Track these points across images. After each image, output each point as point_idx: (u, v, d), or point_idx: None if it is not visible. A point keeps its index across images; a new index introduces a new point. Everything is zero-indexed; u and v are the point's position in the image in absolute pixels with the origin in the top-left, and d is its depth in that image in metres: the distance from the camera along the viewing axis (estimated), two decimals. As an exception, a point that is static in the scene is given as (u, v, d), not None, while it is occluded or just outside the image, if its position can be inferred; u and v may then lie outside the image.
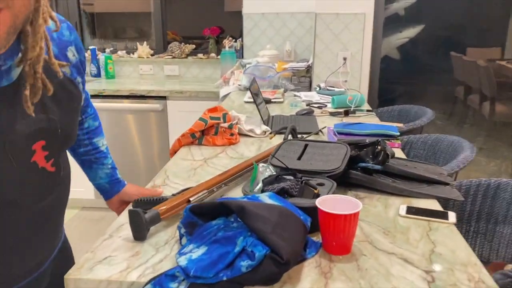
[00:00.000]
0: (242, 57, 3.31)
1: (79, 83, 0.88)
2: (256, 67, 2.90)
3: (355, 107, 2.27)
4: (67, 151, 0.95)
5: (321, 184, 1.07)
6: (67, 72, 0.84)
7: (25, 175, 0.77)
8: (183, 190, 1.08)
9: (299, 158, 1.23)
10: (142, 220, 0.91)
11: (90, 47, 3.48)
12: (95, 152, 1.14)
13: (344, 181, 1.21)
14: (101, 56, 3.47)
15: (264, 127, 1.83)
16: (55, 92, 0.78)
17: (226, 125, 1.71)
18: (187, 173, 1.40)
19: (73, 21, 3.65)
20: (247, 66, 2.97)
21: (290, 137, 1.61)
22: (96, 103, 3.01)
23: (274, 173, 1.11)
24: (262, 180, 1.07)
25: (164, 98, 2.98)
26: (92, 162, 1.14)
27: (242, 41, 3.30)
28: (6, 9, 0.63)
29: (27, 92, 0.71)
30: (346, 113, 2.16)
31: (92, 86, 3.16)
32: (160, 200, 1.03)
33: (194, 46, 3.52)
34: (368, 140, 1.24)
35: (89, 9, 3.80)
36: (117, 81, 3.38)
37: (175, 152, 1.66)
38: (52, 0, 3.58)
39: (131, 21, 3.88)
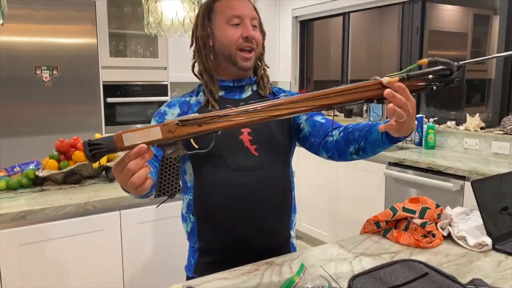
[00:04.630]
0: None
1: None
2: None
3: None
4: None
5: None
6: None
7: (234, 145, 1.25)
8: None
9: None
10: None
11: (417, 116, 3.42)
12: (356, 129, 1.20)
13: None
14: (425, 125, 3.34)
15: (483, 239, 1.33)
16: None
17: (419, 221, 1.37)
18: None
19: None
20: None
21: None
22: (391, 171, 2.94)
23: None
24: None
25: (463, 178, 2.56)
26: (365, 134, 1.16)
27: None
28: (257, 30, 1.29)
29: (261, 92, 1.34)
30: None
31: (402, 154, 3.10)
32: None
33: (534, 122, 2.83)
34: None
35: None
36: (434, 153, 3.16)
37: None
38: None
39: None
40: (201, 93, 1.34)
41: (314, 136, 1.32)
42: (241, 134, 1.27)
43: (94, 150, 0.89)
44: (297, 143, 1.41)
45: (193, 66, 1.36)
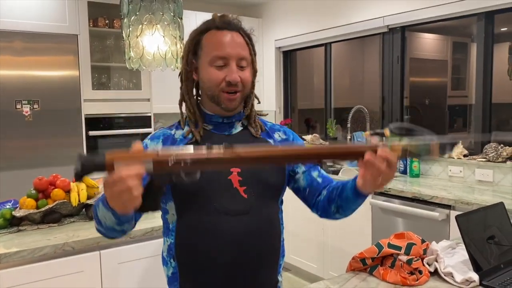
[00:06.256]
0: None
1: None
2: None
3: None
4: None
5: None
6: (272, 143, 1.30)
7: (223, 186, 1.19)
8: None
9: None
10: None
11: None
12: (335, 188, 1.25)
13: None
14: (409, 153, 3.35)
15: (470, 275, 1.31)
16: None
17: (405, 258, 1.35)
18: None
19: (395, 116, 3.72)
20: None
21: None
22: (377, 201, 2.94)
23: None
24: None
25: (449, 207, 2.56)
26: (340, 192, 1.21)
27: None
28: (245, 70, 1.21)
29: (253, 131, 1.29)
30: None
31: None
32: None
33: (515, 149, 2.86)
34: None
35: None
36: (419, 181, 3.16)
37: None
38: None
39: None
40: (186, 127, 1.28)
41: (310, 195, 1.32)
42: (230, 174, 1.20)
43: (84, 172, 0.92)
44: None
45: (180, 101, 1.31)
